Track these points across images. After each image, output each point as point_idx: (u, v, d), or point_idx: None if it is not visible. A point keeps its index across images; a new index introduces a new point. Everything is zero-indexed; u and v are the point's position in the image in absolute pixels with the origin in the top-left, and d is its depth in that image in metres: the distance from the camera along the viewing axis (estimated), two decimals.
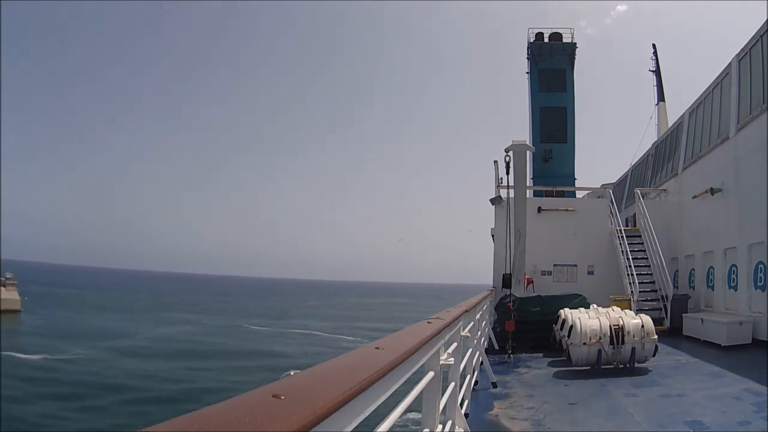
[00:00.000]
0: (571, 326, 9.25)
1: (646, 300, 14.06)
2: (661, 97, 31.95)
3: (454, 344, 3.99)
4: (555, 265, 16.68)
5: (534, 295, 13.53)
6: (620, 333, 8.80)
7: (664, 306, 13.86)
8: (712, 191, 13.68)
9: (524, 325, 11.51)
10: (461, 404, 4.83)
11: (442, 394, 3.34)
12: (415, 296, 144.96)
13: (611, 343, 8.77)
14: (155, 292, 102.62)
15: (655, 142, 21.90)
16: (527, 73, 29.41)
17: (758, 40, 11.82)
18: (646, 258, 15.49)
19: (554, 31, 28.93)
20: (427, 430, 2.93)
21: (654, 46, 35.03)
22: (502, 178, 14.36)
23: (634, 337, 8.80)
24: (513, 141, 11.92)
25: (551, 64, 28.30)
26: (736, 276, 12.53)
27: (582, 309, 10.09)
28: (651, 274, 15.02)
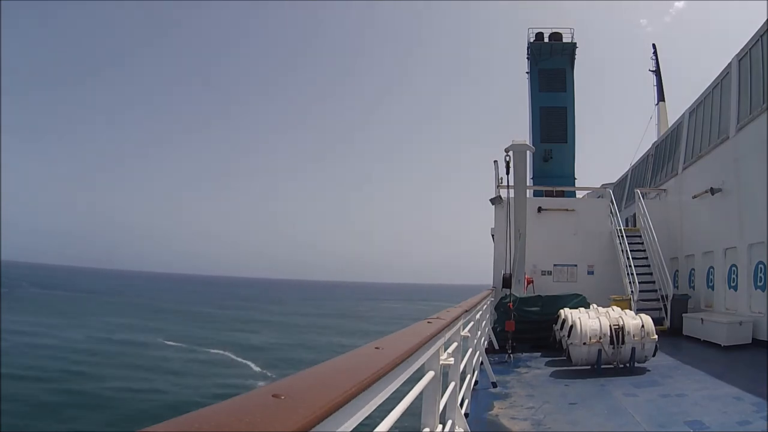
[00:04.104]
0: (571, 326, 9.25)
1: (646, 300, 14.04)
2: (661, 97, 31.95)
3: (454, 344, 3.98)
4: (555, 265, 16.67)
5: (534, 295, 13.52)
6: (620, 333, 8.80)
7: (664, 306, 13.86)
8: (712, 191, 13.68)
9: (524, 325, 11.51)
10: (461, 404, 4.82)
11: (442, 394, 3.33)
12: (413, 299, 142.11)
13: (611, 343, 8.77)
14: (138, 295, 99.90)
15: (655, 142, 21.89)
16: (527, 73, 29.43)
17: (758, 40, 11.82)
18: (646, 258, 15.48)
19: (554, 31, 28.94)
20: (427, 430, 2.93)
21: (654, 46, 35.04)
22: (502, 178, 14.35)
23: (634, 337, 8.80)
24: (513, 141, 11.90)
25: (551, 64, 28.30)
26: (736, 276, 12.53)
27: (582, 309, 10.08)
28: (651, 274, 15.01)
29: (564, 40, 28.66)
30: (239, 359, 38.02)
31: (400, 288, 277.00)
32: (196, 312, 72.95)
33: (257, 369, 34.88)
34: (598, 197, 20.97)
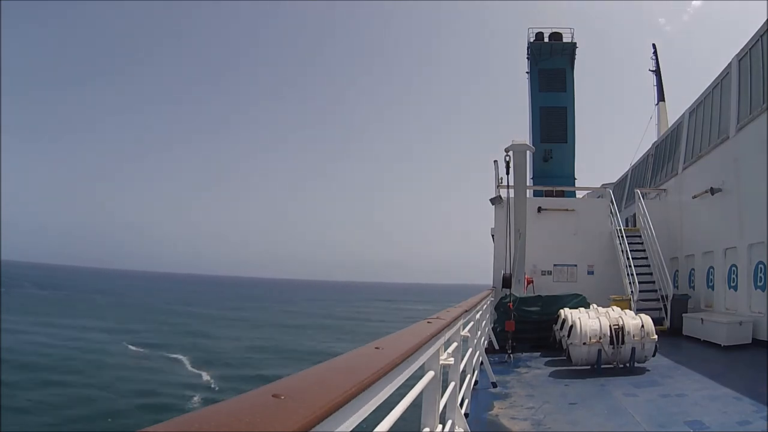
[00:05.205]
0: (571, 326, 9.25)
1: (646, 300, 14.05)
2: (661, 97, 31.94)
3: (454, 344, 3.98)
4: (555, 265, 16.66)
5: (534, 295, 13.52)
6: (620, 333, 8.80)
7: (664, 306, 13.86)
8: (712, 191, 13.68)
9: (524, 325, 11.51)
10: (461, 404, 4.82)
11: (442, 394, 3.33)
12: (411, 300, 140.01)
13: (611, 343, 8.77)
14: (134, 295, 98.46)
15: (655, 142, 21.90)
16: (527, 73, 29.41)
17: (758, 40, 11.83)
18: (646, 258, 15.48)
19: (554, 30, 28.93)
20: (427, 429, 2.93)
21: (654, 45, 35.03)
22: (502, 178, 14.35)
23: (634, 337, 8.80)
24: (513, 141, 11.90)
25: (551, 64, 28.28)
26: (736, 276, 12.53)
27: (582, 309, 10.08)
28: (651, 274, 15.01)
29: (564, 40, 28.65)
30: (193, 369, 35.07)
31: (411, 288, 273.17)
32: (184, 313, 70.87)
33: (206, 378, 32.19)
34: (598, 197, 20.97)
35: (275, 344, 46.85)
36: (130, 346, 42.39)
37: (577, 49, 28.50)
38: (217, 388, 28.97)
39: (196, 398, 26.43)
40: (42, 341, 39.87)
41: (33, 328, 45.89)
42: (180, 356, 39.07)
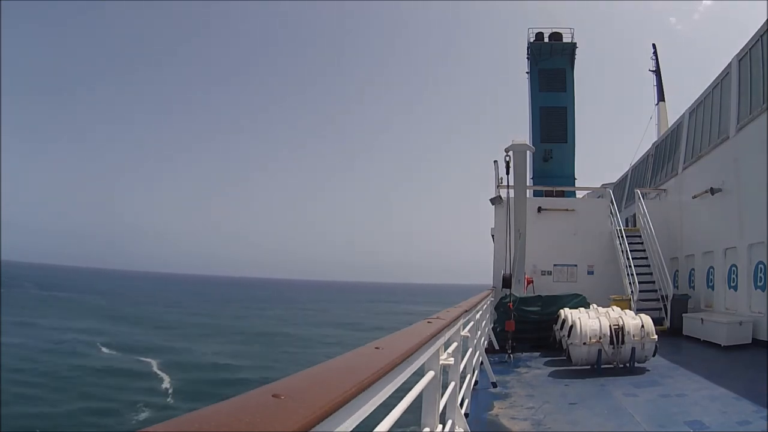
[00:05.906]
0: (571, 326, 9.25)
1: (646, 300, 14.05)
2: (661, 97, 31.95)
3: (454, 344, 3.98)
4: (555, 265, 16.67)
5: (534, 295, 13.53)
6: (620, 333, 8.80)
7: (664, 306, 13.87)
8: (712, 191, 13.69)
9: (524, 325, 11.52)
10: (461, 404, 4.82)
11: (442, 394, 3.33)
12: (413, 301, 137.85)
13: (611, 343, 8.77)
14: (132, 296, 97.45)
15: (655, 142, 21.90)
16: (527, 73, 29.40)
17: (758, 40, 11.83)
18: (646, 258, 15.49)
19: (554, 30, 28.93)
20: (427, 429, 2.92)
21: (654, 46, 35.03)
22: (502, 178, 14.36)
23: (634, 337, 8.80)
24: (513, 141, 11.89)
25: (551, 64, 28.28)
26: (736, 276, 12.53)
27: (582, 309, 10.09)
28: (651, 274, 15.02)
29: (564, 40, 28.64)
30: (160, 372, 33.42)
31: (413, 289, 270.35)
32: (177, 316, 68.45)
33: (165, 386, 30.26)
34: (598, 197, 20.97)
35: (261, 353, 43.86)
36: (103, 348, 41.05)
37: (579, 50, 28.52)
38: (171, 401, 27.32)
39: (144, 409, 24.76)
40: (15, 342, 38.20)
41: (12, 328, 44.48)
42: (149, 360, 37.21)
